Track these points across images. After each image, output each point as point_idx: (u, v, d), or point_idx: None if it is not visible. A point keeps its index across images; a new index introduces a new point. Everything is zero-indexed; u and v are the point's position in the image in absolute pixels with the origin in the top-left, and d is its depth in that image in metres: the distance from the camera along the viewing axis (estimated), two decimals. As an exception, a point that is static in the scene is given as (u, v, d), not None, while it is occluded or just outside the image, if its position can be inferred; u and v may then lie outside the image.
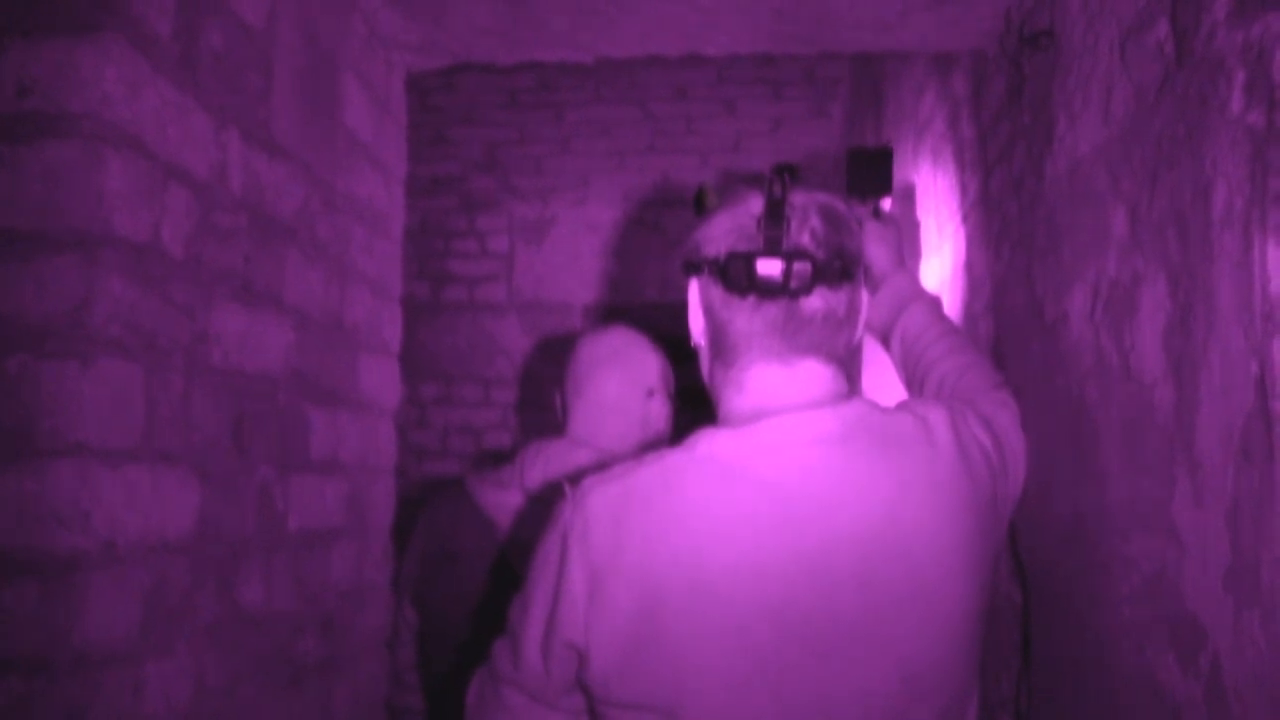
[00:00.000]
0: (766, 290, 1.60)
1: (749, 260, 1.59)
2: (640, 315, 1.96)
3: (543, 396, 6.03)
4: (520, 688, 1.69)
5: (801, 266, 1.58)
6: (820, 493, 1.55)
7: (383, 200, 2.82)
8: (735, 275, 1.60)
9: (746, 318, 1.64)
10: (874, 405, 1.66)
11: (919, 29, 2.68)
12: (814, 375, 1.65)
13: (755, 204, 1.65)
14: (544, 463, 2.60)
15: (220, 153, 1.92)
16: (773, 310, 1.62)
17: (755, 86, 6.23)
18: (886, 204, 2.53)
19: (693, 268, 1.70)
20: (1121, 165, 1.80)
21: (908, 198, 3.53)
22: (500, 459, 2.79)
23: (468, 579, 2.62)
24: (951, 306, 2.88)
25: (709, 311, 1.70)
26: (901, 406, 1.70)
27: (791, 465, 1.56)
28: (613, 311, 6.05)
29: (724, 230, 1.66)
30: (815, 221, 1.63)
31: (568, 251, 6.30)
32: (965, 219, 2.87)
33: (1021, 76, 2.38)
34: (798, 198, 1.65)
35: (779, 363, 1.64)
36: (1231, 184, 1.41)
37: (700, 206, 2.12)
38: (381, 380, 2.84)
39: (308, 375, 2.31)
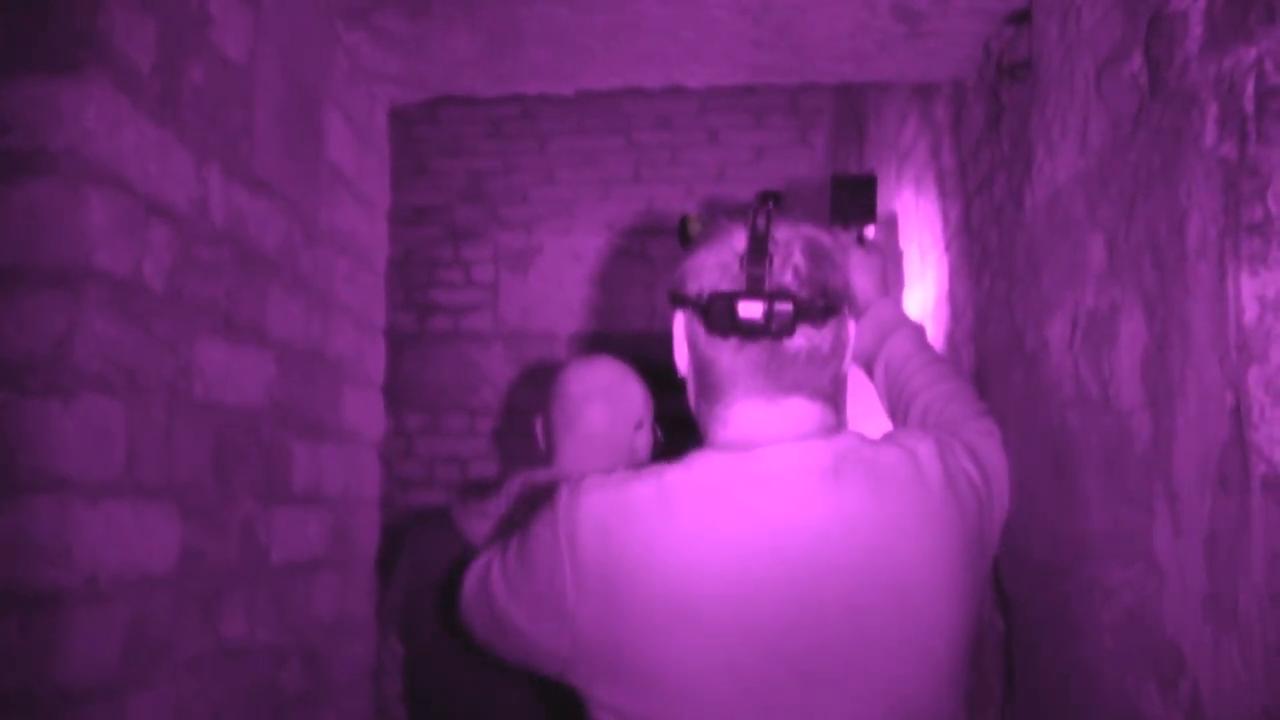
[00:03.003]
0: (748, 332, 1.60)
1: (730, 302, 1.59)
2: (625, 344, 1.97)
3: (528, 426, 6.02)
4: None
5: (783, 308, 1.58)
6: (810, 523, 1.55)
7: (365, 233, 2.82)
8: (717, 316, 1.60)
9: (730, 357, 1.64)
10: (864, 438, 1.66)
11: (897, 60, 2.70)
12: (801, 412, 1.65)
13: (739, 239, 1.64)
14: (530, 494, 2.60)
15: (201, 187, 1.93)
16: (755, 350, 1.62)
17: (738, 116, 6.25)
18: (870, 231, 2.53)
19: (677, 301, 1.71)
20: (1099, 195, 1.81)
21: (890, 226, 3.54)
22: (485, 489, 2.79)
23: (454, 609, 2.62)
24: (935, 335, 2.89)
25: (693, 346, 1.70)
26: (890, 439, 1.70)
27: (783, 495, 1.57)
28: (598, 340, 6.05)
29: (708, 266, 1.66)
30: (799, 258, 1.63)
31: (553, 281, 6.30)
32: (948, 247, 2.88)
33: (1000, 106, 2.40)
34: (781, 232, 1.64)
35: (764, 400, 1.64)
36: (1205, 215, 1.42)
37: (684, 236, 2.12)
38: (365, 412, 2.84)
39: (290, 408, 2.31)
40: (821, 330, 1.64)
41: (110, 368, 1.66)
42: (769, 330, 1.58)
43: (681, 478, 1.59)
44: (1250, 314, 1.32)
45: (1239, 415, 1.34)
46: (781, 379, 1.63)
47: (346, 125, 2.66)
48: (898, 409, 2.14)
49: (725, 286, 1.61)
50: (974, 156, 2.63)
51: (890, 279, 2.65)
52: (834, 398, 1.71)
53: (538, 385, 5.98)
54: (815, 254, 1.65)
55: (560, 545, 1.58)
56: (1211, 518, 1.43)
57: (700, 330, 1.66)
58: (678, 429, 2.12)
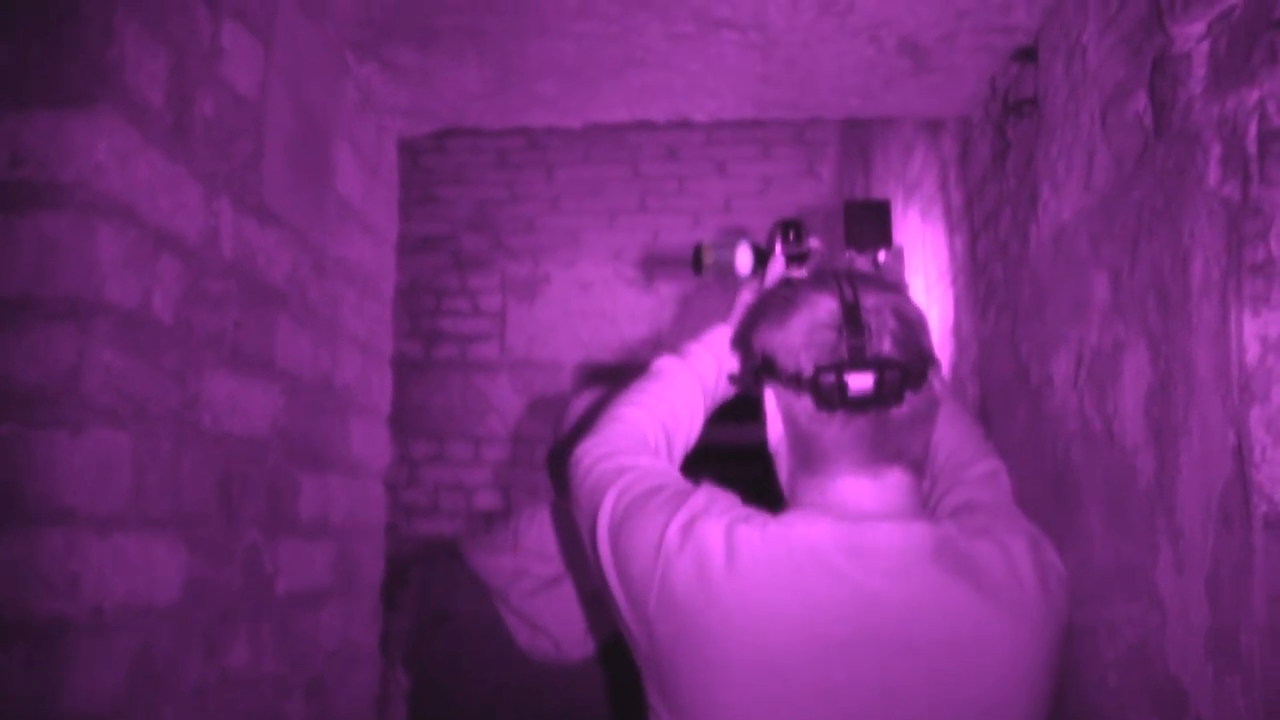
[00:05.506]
0: (859, 405, 1.59)
1: (839, 373, 1.57)
2: (632, 375, 1.96)
3: (534, 455, 6.03)
4: None
5: (892, 376, 1.57)
6: (906, 602, 1.53)
7: (373, 263, 2.83)
8: (827, 391, 1.58)
9: (837, 431, 1.61)
10: (961, 526, 1.64)
11: (903, 95, 2.71)
12: (900, 487, 1.62)
13: (824, 307, 1.62)
14: (539, 526, 2.61)
15: (211, 220, 1.94)
16: (863, 421, 1.60)
17: (745, 147, 6.27)
18: (882, 257, 2.54)
19: (769, 375, 1.69)
20: (1103, 233, 1.82)
21: (896, 257, 3.54)
22: (492, 519, 2.80)
23: (460, 641, 2.62)
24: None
25: (791, 422, 1.67)
26: (982, 530, 1.65)
27: (883, 570, 1.54)
28: (604, 371, 6.05)
29: (802, 341, 1.63)
30: (892, 324, 1.60)
31: (559, 310, 6.31)
32: (953, 281, 2.89)
33: (1006, 142, 2.41)
34: (869, 299, 1.62)
35: (867, 476, 1.62)
36: (1209, 254, 1.43)
37: (699, 265, 2.13)
38: (371, 442, 2.84)
39: (297, 438, 2.32)
40: (920, 393, 1.63)
41: (119, 399, 1.67)
42: (881, 399, 1.58)
43: (784, 533, 1.57)
44: (1252, 354, 1.33)
45: (1241, 454, 1.35)
46: (885, 448, 1.61)
47: (356, 157, 2.68)
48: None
49: (826, 360, 1.60)
50: (980, 191, 2.64)
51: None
52: (923, 465, 1.70)
53: (544, 415, 5.98)
54: (904, 318, 1.62)
55: (659, 560, 1.56)
56: (1214, 555, 1.43)
57: (803, 405, 1.63)
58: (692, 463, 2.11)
